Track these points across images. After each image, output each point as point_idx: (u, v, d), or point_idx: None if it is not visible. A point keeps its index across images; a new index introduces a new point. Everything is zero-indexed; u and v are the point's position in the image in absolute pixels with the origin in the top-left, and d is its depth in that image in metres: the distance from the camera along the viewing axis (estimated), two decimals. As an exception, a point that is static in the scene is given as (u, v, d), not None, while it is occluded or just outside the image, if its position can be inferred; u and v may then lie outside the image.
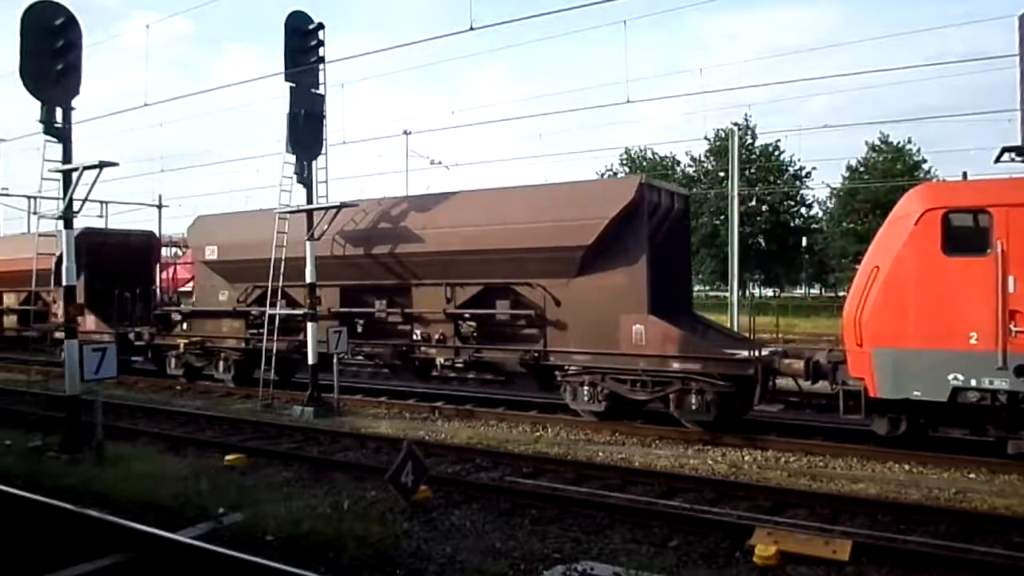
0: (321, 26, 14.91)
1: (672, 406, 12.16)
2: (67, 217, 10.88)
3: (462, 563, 6.28)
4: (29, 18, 10.55)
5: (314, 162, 15.02)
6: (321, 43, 14.97)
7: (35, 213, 19.06)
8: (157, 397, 16.89)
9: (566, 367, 13.17)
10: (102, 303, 19.85)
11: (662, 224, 13.38)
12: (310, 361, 14.85)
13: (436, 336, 14.77)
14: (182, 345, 17.96)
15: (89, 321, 19.02)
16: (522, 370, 13.82)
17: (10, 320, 24.01)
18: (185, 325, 18.62)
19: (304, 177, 14.89)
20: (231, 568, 5.62)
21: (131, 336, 19.28)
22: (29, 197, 23.97)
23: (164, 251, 26.71)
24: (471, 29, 12.93)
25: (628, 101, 26.47)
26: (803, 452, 10.75)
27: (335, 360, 14.53)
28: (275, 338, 15.45)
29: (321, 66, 15.04)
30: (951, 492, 8.77)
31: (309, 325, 14.87)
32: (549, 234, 13.04)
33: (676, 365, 12.07)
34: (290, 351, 16.41)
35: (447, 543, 6.85)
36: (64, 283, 10.93)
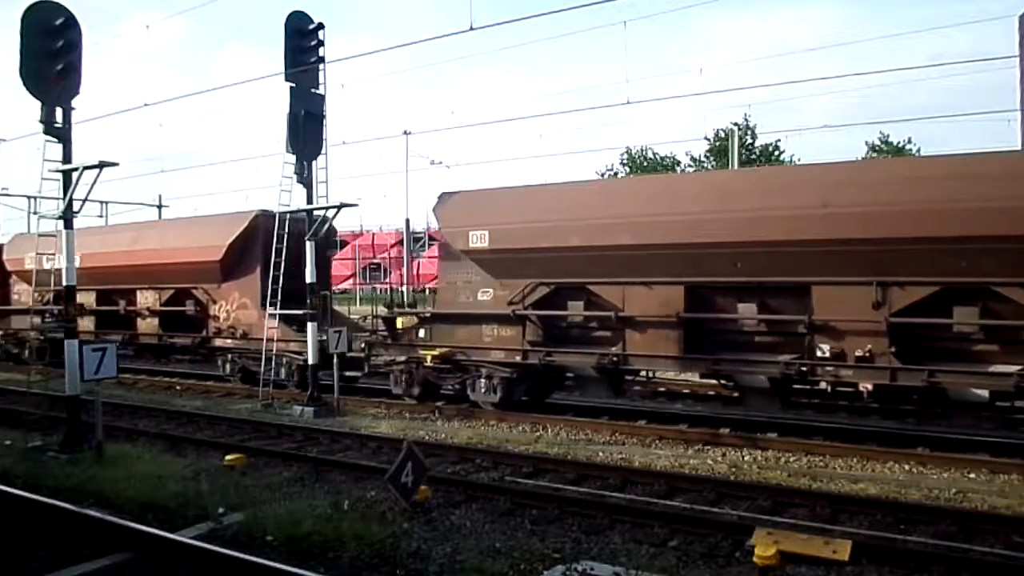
0: (321, 26, 14.94)
1: None
2: (67, 217, 10.87)
3: (462, 563, 6.27)
4: (29, 18, 10.55)
5: (314, 162, 15.02)
6: (321, 43, 14.99)
7: (35, 213, 19.30)
8: (157, 397, 16.89)
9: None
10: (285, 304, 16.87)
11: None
12: (310, 361, 14.86)
13: (857, 352, 10.73)
14: (428, 358, 14.02)
15: (268, 326, 15.88)
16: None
17: (148, 324, 20.00)
18: (421, 332, 14.68)
19: (304, 177, 14.90)
20: (231, 568, 5.63)
21: (338, 346, 15.49)
22: (29, 197, 24.04)
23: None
24: (471, 29, 12.97)
25: (628, 102, 26.48)
26: (803, 452, 10.75)
27: (335, 360, 14.53)
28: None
29: (321, 66, 15.06)
30: (951, 492, 8.77)
31: (309, 325, 14.87)
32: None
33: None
34: (583, 368, 13.21)
35: (447, 543, 6.84)
36: (64, 283, 10.93)
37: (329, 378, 14.71)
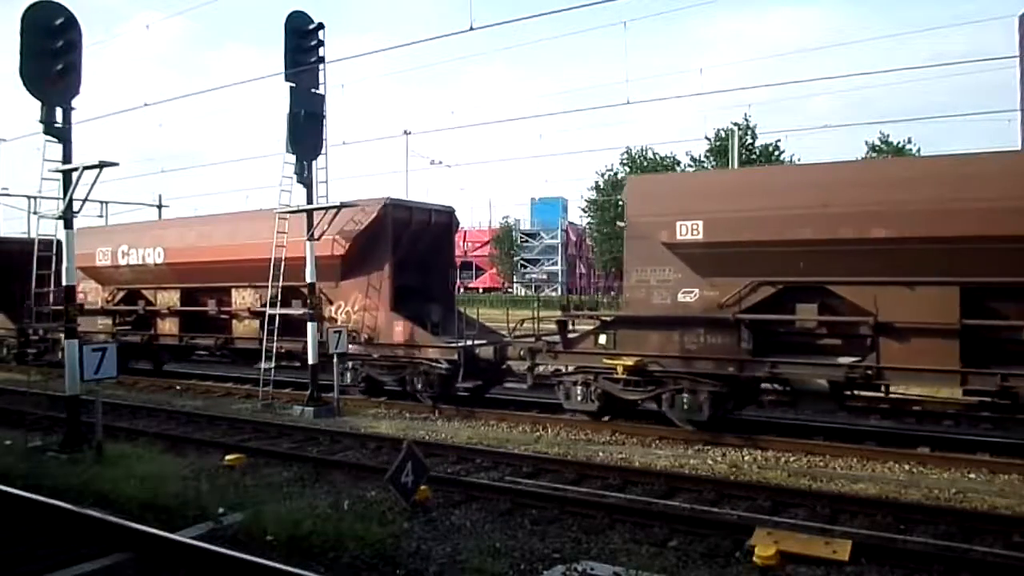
0: (321, 26, 14.93)
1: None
2: (67, 217, 10.87)
3: (462, 563, 6.27)
4: (29, 18, 10.54)
5: (314, 162, 15.03)
6: (321, 43, 14.99)
7: (35, 213, 19.09)
8: (157, 397, 16.88)
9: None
10: (409, 305, 15.50)
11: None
12: (310, 361, 14.87)
13: None
14: (619, 369, 12.05)
15: (399, 331, 14.95)
16: None
17: (247, 327, 17.58)
18: (602, 339, 12.69)
19: (304, 177, 14.90)
20: (231, 568, 5.63)
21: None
22: (29, 197, 24.03)
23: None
24: (471, 29, 12.97)
25: (628, 102, 26.63)
26: (803, 452, 10.75)
27: (335, 360, 14.53)
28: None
29: (321, 66, 15.06)
30: (951, 492, 8.78)
31: (309, 325, 14.88)
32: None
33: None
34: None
35: (447, 543, 6.85)
36: (64, 283, 10.92)
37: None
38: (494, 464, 10.21)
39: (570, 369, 13.02)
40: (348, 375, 15.69)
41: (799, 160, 57.00)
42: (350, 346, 15.16)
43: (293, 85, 14.68)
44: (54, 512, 6.95)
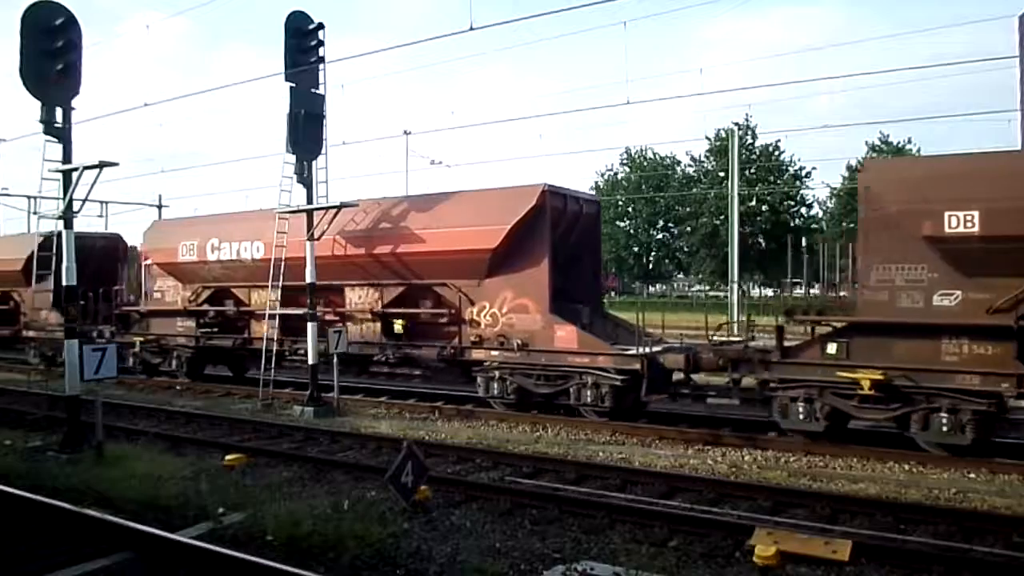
0: (321, 26, 14.94)
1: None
2: (67, 217, 10.87)
3: (462, 563, 6.28)
4: (29, 18, 10.55)
5: (314, 162, 15.03)
6: (321, 43, 14.99)
7: (35, 213, 19.09)
8: (157, 397, 16.87)
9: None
10: (554, 306, 13.65)
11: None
12: (310, 361, 14.87)
13: None
14: (865, 384, 10.32)
15: (562, 337, 13.25)
16: None
17: (363, 331, 15.81)
18: (831, 347, 10.91)
19: (304, 177, 14.90)
20: (231, 568, 5.63)
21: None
22: (29, 197, 24.05)
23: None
24: (471, 29, 12.97)
25: (628, 102, 26.55)
26: (803, 452, 10.75)
27: (335, 360, 14.53)
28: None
29: (321, 66, 15.06)
30: (951, 492, 8.78)
31: (309, 325, 14.88)
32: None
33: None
34: None
35: (447, 543, 6.85)
36: (64, 283, 10.91)
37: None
38: (494, 464, 10.20)
39: (791, 381, 11.17)
40: (494, 386, 13.93)
41: (799, 160, 56.90)
42: (493, 352, 13.72)
43: (293, 85, 14.68)
44: (54, 512, 6.95)
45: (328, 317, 16.20)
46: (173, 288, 18.88)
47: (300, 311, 15.28)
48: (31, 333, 21.55)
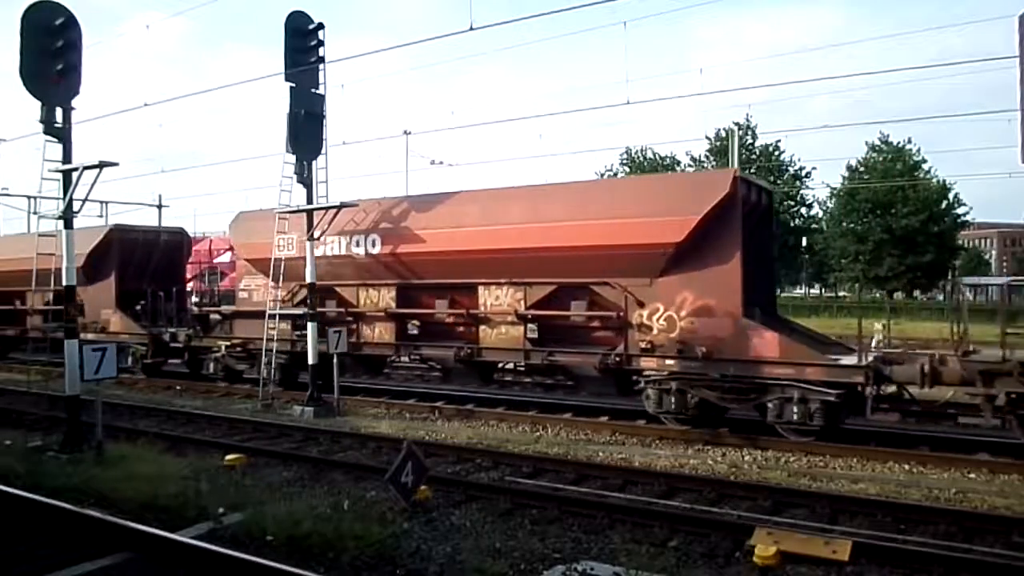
0: (321, 26, 14.95)
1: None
2: (67, 217, 10.87)
3: (462, 563, 6.27)
4: (29, 18, 10.56)
5: (314, 162, 15.03)
6: (321, 43, 15.00)
7: (35, 213, 18.88)
8: (157, 397, 16.87)
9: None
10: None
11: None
12: (310, 361, 14.87)
13: None
14: None
15: (761, 344, 11.51)
16: None
17: (508, 335, 13.83)
18: None
19: (304, 177, 14.91)
20: (231, 568, 5.62)
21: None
22: (29, 197, 24.00)
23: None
24: (471, 29, 12.95)
25: (628, 103, 26.67)
26: (803, 452, 10.75)
27: (334, 360, 14.53)
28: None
29: (321, 66, 15.07)
30: (951, 492, 8.78)
31: (309, 325, 14.88)
32: None
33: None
34: None
35: (447, 543, 6.85)
36: (64, 283, 10.91)
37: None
38: (494, 464, 10.21)
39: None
40: (669, 399, 12.04)
41: (799, 160, 56.93)
42: (668, 360, 12.01)
43: (293, 85, 14.68)
44: (54, 512, 6.95)
45: (447, 320, 14.76)
46: (263, 287, 16.56)
47: (434, 311, 14.50)
48: (89, 336, 18.58)
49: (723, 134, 50.42)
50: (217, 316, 18.43)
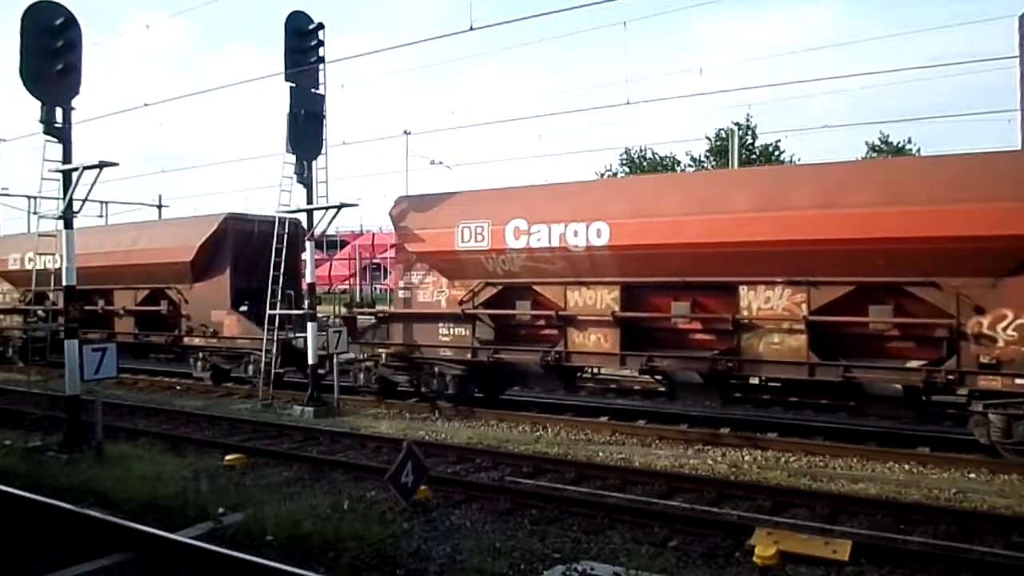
0: (321, 26, 14.96)
1: None
2: (67, 217, 10.87)
3: (462, 563, 6.27)
4: (29, 18, 10.57)
5: (314, 162, 15.03)
6: (321, 43, 15.01)
7: (35, 213, 18.80)
8: (157, 397, 16.87)
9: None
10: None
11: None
12: (310, 361, 14.87)
13: None
14: None
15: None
16: None
17: (774, 345, 11.22)
18: None
19: (304, 177, 14.91)
20: (231, 568, 5.63)
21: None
22: (29, 197, 24.00)
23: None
24: (471, 29, 12.97)
25: (628, 103, 26.68)
26: (803, 452, 10.75)
27: (335, 360, 14.53)
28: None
29: (321, 66, 15.07)
30: (951, 492, 8.78)
31: (309, 325, 14.88)
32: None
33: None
34: None
35: (447, 543, 6.85)
36: (64, 283, 10.90)
37: None
38: (494, 464, 10.21)
39: None
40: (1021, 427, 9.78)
41: (799, 160, 56.94)
42: (1020, 380, 9.62)
43: (293, 85, 14.69)
44: (54, 512, 6.95)
45: (686, 326, 12.10)
46: (432, 285, 14.31)
47: (661, 314, 11.99)
48: (196, 341, 17.65)
49: (723, 134, 50.36)
50: (369, 319, 15.96)
